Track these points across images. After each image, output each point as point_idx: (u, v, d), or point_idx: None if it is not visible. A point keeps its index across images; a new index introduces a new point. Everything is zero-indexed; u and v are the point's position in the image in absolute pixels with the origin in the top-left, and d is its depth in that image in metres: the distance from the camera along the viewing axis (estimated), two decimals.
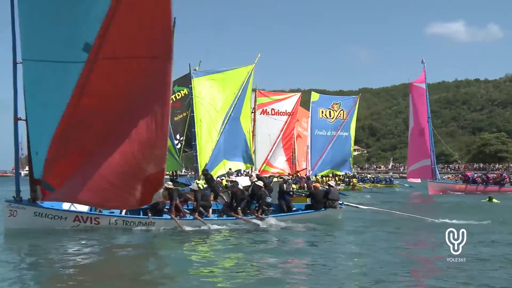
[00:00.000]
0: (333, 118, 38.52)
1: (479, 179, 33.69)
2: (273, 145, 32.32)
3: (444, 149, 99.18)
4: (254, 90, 30.32)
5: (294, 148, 39.59)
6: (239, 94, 27.42)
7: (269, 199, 13.33)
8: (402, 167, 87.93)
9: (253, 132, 28.40)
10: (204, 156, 26.35)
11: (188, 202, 13.46)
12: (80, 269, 8.06)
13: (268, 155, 31.96)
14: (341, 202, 14.33)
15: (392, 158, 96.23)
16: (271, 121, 32.33)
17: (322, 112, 38.36)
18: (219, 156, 26.57)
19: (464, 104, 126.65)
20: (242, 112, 27.69)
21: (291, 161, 36.33)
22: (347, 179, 39.21)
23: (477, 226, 12.72)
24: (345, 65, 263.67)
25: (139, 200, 10.97)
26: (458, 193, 31.60)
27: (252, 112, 32.29)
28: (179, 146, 28.86)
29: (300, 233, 12.26)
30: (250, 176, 15.26)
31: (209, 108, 27.01)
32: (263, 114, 32.23)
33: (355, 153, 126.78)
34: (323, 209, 13.84)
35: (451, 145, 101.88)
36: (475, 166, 79.58)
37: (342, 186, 37.36)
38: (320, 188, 15.46)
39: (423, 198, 29.67)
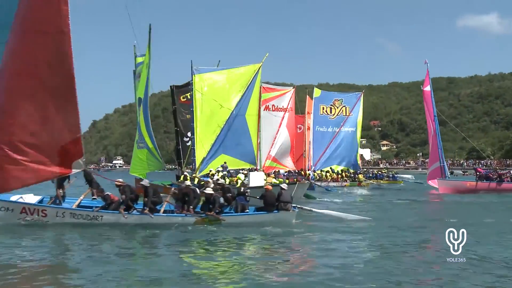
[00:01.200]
0: (334, 114, 38.39)
1: (492, 175, 30.76)
2: (273, 141, 32.48)
3: (476, 145, 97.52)
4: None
5: (305, 142, 39.88)
6: (245, 91, 27.57)
7: (222, 200, 13.45)
8: None
9: (258, 129, 28.74)
10: (202, 150, 26.92)
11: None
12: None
13: (270, 151, 32.19)
14: (294, 205, 14.14)
15: (421, 154, 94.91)
16: (271, 117, 32.61)
17: (323, 108, 38.31)
18: (217, 150, 26.92)
19: (498, 99, 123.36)
20: (248, 110, 27.66)
21: (294, 157, 36.58)
22: (353, 176, 38.87)
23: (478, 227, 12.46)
24: (374, 59, 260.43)
25: (58, 170, 11.62)
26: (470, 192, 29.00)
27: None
28: (189, 143, 29.35)
29: (250, 235, 12.11)
30: (212, 180, 14.91)
31: (211, 103, 27.38)
32: (266, 110, 32.51)
33: (384, 148, 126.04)
34: (275, 211, 13.69)
35: (483, 141, 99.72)
36: (508, 162, 77.67)
37: (348, 183, 37.31)
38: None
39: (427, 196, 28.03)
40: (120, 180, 13.22)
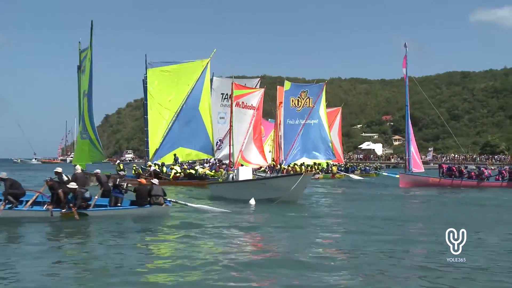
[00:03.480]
0: (300, 106, 38.02)
1: (456, 172, 30.48)
2: (244, 138, 33.01)
3: (490, 140, 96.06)
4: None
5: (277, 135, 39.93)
6: (193, 85, 28.86)
7: (87, 194, 13.12)
8: (444, 158, 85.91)
9: (230, 124, 29.52)
10: (154, 141, 28.34)
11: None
12: None
13: (242, 147, 32.82)
14: (169, 200, 14.28)
15: (432, 149, 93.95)
16: (242, 114, 33.23)
17: (292, 100, 37.98)
18: (174, 143, 28.08)
19: None
20: (200, 103, 28.82)
21: (265, 153, 36.81)
22: (326, 168, 38.99)
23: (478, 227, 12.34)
24: (387, 54, 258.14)
25: None
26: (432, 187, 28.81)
27: (223, 102, 34.43)
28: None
29: (126, 228, 12.05)
30: (76, 171, 14.49)
31: (161, 97, 28.83)
32: (237, 106, 33.00)
33: (396, 143, 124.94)
34: (147, 205, 13.73)
35: (497, 136, 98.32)
36: None
37: (321, 175, 37.03)
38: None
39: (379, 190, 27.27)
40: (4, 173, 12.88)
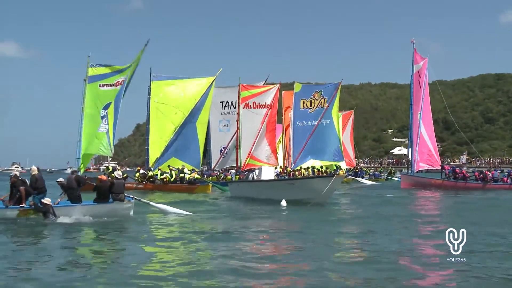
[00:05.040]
0: (313, 107, 36.56)
1: (461, 174, 29.84)
2: (255, 139, 33.06)
3: None
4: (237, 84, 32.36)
5: (285, 139, 39.68)
6: (198, 101, 30.30)
7: (35, 199, 12.91)
8: (479, 162, 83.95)
9: (237, 126, 29.96)
10: (155, 151, 29.70)
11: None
12: None
13: (251, 149, 32.84)
14: (131, 196, 14.19)
15: (466, 152, 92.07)
16: (252, 115, 33.17)
17: (303, 102, 36.72)
18: (170, 153, 29.58)
19: None
20: (199, 118, 30.35)
21: (277, 152, 36.31)
22: (333, 171, 38.52)
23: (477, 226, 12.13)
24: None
25: None
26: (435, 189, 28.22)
27: (232, 107, 35.29)
28: None
29: (86, 225, 12.15)
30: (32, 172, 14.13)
31: (166, 109, 30.20)
32: (246, 108, 32.89)
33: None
34: (109, 202, 13.64)
35: None
36: None
37: None
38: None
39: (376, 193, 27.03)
40: None
